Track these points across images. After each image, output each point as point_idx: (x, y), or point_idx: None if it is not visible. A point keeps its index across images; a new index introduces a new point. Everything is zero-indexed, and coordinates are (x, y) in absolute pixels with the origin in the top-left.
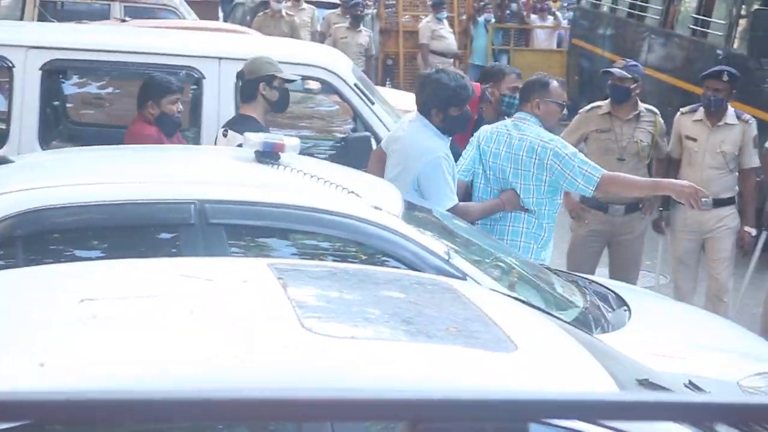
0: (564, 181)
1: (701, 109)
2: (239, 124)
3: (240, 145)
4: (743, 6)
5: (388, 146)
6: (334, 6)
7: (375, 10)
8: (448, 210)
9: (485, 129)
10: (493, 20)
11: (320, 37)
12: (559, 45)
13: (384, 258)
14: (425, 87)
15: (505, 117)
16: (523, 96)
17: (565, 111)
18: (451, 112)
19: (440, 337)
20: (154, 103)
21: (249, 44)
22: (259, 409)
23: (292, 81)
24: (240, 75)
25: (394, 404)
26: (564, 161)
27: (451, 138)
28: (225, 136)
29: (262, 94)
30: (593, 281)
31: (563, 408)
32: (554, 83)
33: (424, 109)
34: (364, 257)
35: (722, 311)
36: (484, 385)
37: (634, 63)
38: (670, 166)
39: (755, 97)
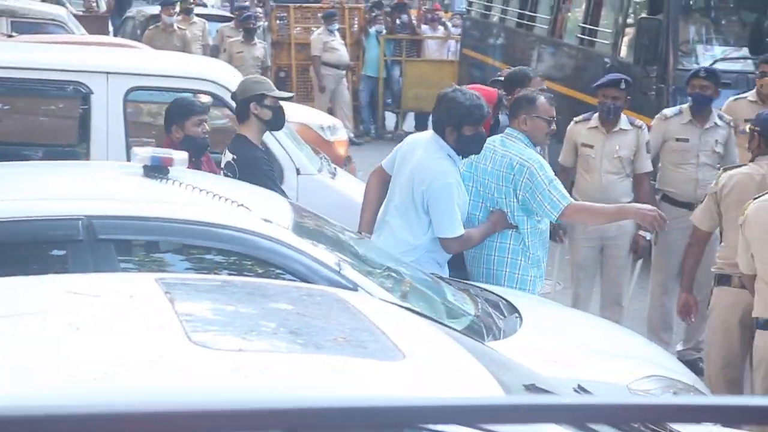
0: (533, 202)
1: (595, 116)
2: (233, 143)
3: (227, 162)
4: (629, 14)
5: (392, 167)
6: (225, 19)
7: (267, 23)
8: (453, 239)
9: None
10: (384, 31)
11: (213, 50)
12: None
13: (275, 270)
14: (440, 105)
15: None
16: (512, 112)
17: (553, 126)
18: (465, 131)
19: (328, 347)
20: (179, 127)
21: (138, 58)
22: (139, 423)
23: (288, 98)
24: (234, 97)
25: (271, 413)
26: (536, 183)
27: (463, 160)
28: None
29: (254, 114)
30: (485, 289)
31: (440, 413)
32: (541, 99)
33: (437, 126)
34: (254, 270)
35: (620, 316)
36: (371, 394)
37: None
38: (563, 174)
39: (641, 104)
